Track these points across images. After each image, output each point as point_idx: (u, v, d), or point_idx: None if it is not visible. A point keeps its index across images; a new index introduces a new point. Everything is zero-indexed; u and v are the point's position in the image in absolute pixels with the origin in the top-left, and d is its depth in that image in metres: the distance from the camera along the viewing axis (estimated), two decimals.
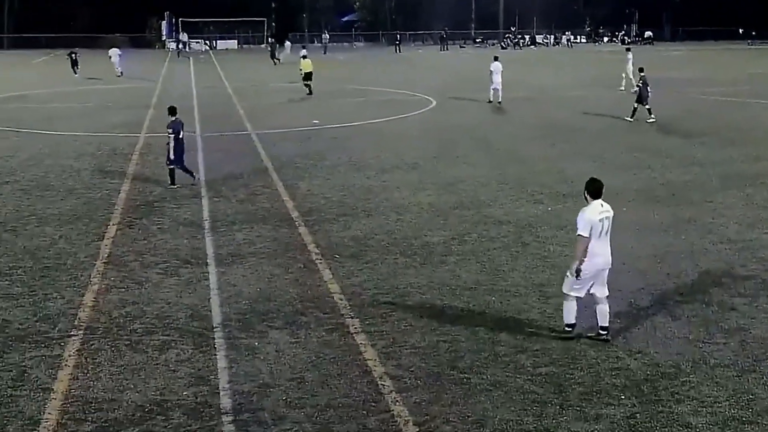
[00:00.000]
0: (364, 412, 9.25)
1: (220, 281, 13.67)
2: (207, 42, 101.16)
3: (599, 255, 10.92)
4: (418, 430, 8.86)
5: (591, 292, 11.12)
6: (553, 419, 9.06)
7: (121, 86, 48.87)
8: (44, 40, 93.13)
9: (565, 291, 11.21)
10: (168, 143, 20.81)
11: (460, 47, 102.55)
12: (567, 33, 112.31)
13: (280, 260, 14.84)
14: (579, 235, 10.87)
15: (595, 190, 11.04)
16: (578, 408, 9.29)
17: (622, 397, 9.57)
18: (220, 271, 14.18)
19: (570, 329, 11.26)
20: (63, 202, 19.31)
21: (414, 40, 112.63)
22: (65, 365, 10.48)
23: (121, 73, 57.34)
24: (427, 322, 11.88)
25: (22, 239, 16.31)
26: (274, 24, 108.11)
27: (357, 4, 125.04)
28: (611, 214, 11.06)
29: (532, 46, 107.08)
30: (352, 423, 9.01)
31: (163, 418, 9.14)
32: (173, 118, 21.04)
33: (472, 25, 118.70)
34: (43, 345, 11.13)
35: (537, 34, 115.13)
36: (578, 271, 10.89)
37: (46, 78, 56.00)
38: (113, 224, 17.35)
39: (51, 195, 20.13)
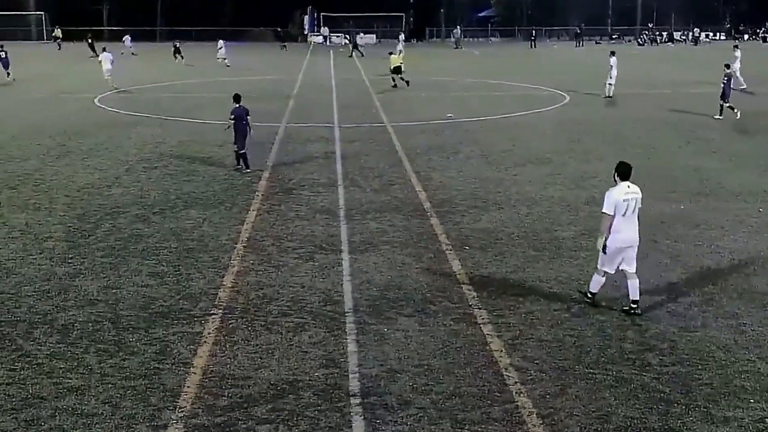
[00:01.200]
0: (489, 401, 9.21)
1: (352, 268, 13.83)
2: (347, 36, 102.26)
3: (624, 232, 11.58)
4: (541, 422, 8.77)
5: (621, 268, 11.77)
6: (678, 419, 8.82)
7: (265, 78, 49.88)
8: (193, 33, 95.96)
9: (598, 266, 11.90)
10: (227, 128, 21.78)
11: (596, 43, 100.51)
12: (697, 30, 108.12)
13: (412, 249, 14.90)
14: (603, 212, 11.60)
15: (624, 172, 11.78)
16: (705, 409, 9.02)
17: (752, 400, 9.23)
18: (353, 258, 14.35)
19: (591, 298, 12.09)
20: (207, 187, 19.88)
21: (549, 36, 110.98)
22: (205, 342, 10.81)
23: (226, 63, 59.35)
24: (554, 315, 11.74)
25: (169, 221, 16.89)
26: (412, 19, 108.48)
27: None
28: (638, 195, 11.68)
29: (670, 43, 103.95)
30: (476, 412, 8.99)
31: (294, 397, 9.33)
32: (237, 105, 21.66)
33: (609, 21, 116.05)
34: (185, 322, 11.52)
35: (675, 31, 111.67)
36: (605, 247, 11.59)
37: (193, 69, 57.63)
38: (253, 210, 17.77)
39: (196, 180, 20.76)
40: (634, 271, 11.78)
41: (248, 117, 21.58)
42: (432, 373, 9.90)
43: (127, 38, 74.72)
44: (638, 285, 11.78)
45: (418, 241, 15.44)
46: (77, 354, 10.45)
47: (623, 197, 11.56)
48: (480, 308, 11.98)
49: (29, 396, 9.32)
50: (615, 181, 11.89)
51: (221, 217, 17.22)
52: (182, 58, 61.80)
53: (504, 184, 20.19)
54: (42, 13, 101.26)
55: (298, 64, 62.37)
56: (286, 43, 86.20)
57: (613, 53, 39.01)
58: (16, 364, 10.17)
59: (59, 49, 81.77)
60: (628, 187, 11.69)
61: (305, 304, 12.17)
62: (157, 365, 10.13)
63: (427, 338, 10.93)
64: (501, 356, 10.36)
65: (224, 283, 13.12)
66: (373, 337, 10.97)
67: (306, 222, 16.80)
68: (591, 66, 40.58)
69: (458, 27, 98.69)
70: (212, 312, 11.88)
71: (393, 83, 43.86)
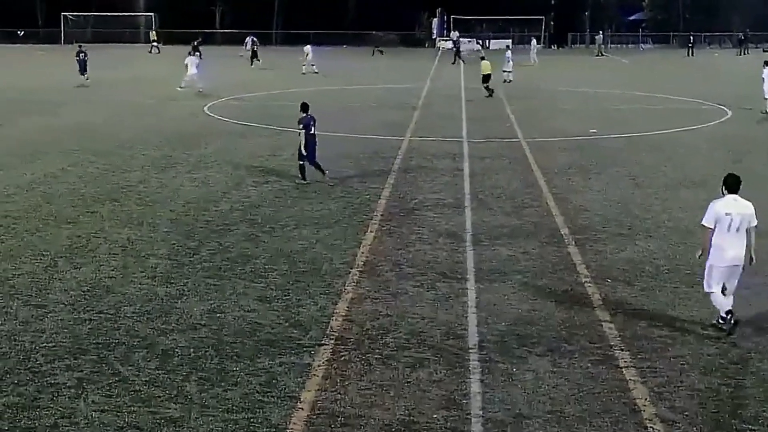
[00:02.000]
0: None
1: (479, 299, 13.75)
2: (479, 41, 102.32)
3: (728, 249, 11.86)
4: None
5: (725, 285, 12.14)
6: None
7: (388, 86, 50.35)
8: (311, 36, 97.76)
9: (706, 290, 12.24)
10: (300, 138, 22.45)
11: (764, 51, 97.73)
12: None
13: (546, 280, 14.73)
14: (701, 224, 12.08)
15: (731, 184, 12.03)
16: None
17: None
18: (480, 288, 14.27)
19: (724, 320, 12.11)
20: (322, 205, 20.12)
21: (709, 42, 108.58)
22: (314, 375, 10.89)
23: (314, 70, 59.57)
24: (708, 361, 11.39)
25: (279, 241, 17.16)
26: (552, 23, 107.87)
27: (646, 1, 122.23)
28: (747, 211, 11.89)
29: None
30: None
31: None
32: (304, 114, 22.53)
33: None
34: (293, 352, 11.64)
35: None
36: (710, 268, 12.03)
37: (310, 77, 58.56)
38: (371, 231, 17.89)
39: (310, 196, 21.05)
40: (732, 291, 12.19)
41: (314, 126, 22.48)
42: (565, 421, 9.73)
43: (248, 40, 76.26)
44: (731, 304, 12.09)
45: (554, 272, 15.25)
46: (177, 382, 10.69)
47: (725, 210, 11.84)
48: (622, 349, 11.72)
49: (125, 425, 9.56)
50: (722, 193, 12.13)
51: (336, 238, 17.39)
52: (258, 61, 63.36)
53: (653, 209, 19.78)
54: (151, 14, 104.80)
55: (425, 72, 62.71)
56: (382, 48, 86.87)
57: (766, 63, 37.72)
58: (113, 389, 10.46)
59: (150, 52, 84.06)
60: (735, 200, 11.93)
61: (425, 338, 12.15)
62: (261, 398, 10.26)
63: (560, 381, 10.76)
64: (645, 405, 10.10)
65: (337, 310, 13.22)
66: (499, 378, 10.86)
67: (428, 246, 16.81)
68: (756, 77, 39.39)
69: (600, 32, 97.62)
70: (323, 342, 11.97)
71: (487, 94, 44.58)
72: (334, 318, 12.87)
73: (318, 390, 10.45)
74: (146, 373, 10.94)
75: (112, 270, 15.19)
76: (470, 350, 11.69)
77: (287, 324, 12.65)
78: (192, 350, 11.66)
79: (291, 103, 40.92)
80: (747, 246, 12.07)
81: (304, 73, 59.02)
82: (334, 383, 10.65)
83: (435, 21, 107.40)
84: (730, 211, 11.79)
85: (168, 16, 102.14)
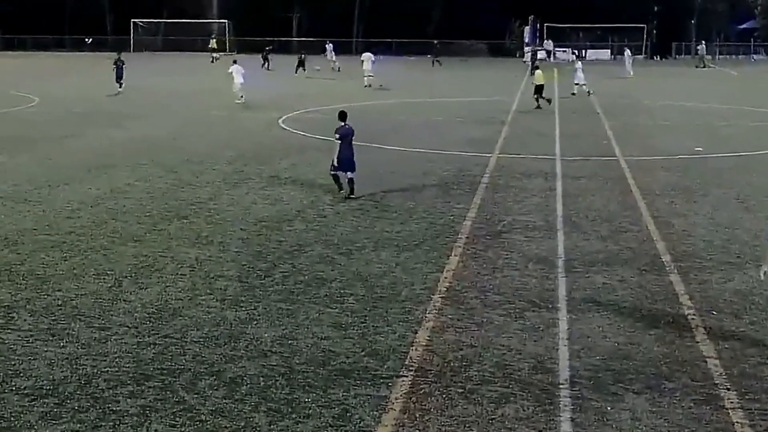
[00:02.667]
0: None
1: (571, 330, 13.60)
2: (575, 52, 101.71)
3: None
4: None
5: None
6: None
7: (475, 99, 50.29)
8: (394, 45, 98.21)
9: None
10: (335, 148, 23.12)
11: None
12: None
13: (645, 312, 14.51)
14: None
15: None
16: None
17: None
18: (572, 319, 14.11)
19: None
20: (402, 226, 20.13)
21: None
22: (391, 409, 10.86)
23: (370, 84, 58.62)
24: None
25: (356, 264, 17.20)
26: (655, 32, 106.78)
27: (758, 8, 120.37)
28: None
29: None
30: None
31: None
32: (342, 124, 23.29)
33: None
34: (369, 383, 11.63)
35: None
36: None
37: (386, 89, 58.76)
38: (455, 255, 17.84)
39: (390, 216, 21.08)
40: None
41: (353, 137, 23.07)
42: None
43: (329, 47, 76.70)
44: None
45: (654, 302, 15.03)
46: (245, 412, 10.75)
47: None
48: (729, 389, 11.49)
49: None
50: None
51: (417, 261, 17.38)
52: (304, 70, 64.24)
53: (764, 234, 19.37)
54: (225, 21, 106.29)
55: (515, 84, 62.52)
56: (440, 59, 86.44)
57: None
58: (178, 419, 10.56)
59: (212, 62, 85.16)
60: None
61: (512, 371, 12.05)
62: (334, 431, 10.29)
63: (659, 422, 10.57)
64: None
65: (417, 340, 13.18)
66: (592, 416, 10.71)
67: (517, 272, 16.70)
68: None
69: (702, 43, 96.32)
70: (401, 373, 11.94)
71: (537, 104, 45.55)
72: (413, 348, 12.84)
73: (395, 425, 10.42)
74: (213, 402, 11.03)
75: (179, 292, 15.37)
76: (561, 386, 11.56)
77: (363, 353, 12.65)
78: (261, 379, 11.73)
79: (372, 117, 41.21)
80: None
81: (367, 86, 58.35)
82: (412, 418, 10.61)
83: (527, 29, 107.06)
84: None
85: (243, 23, 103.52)
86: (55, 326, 13.66)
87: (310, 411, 10.79)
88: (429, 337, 13.30)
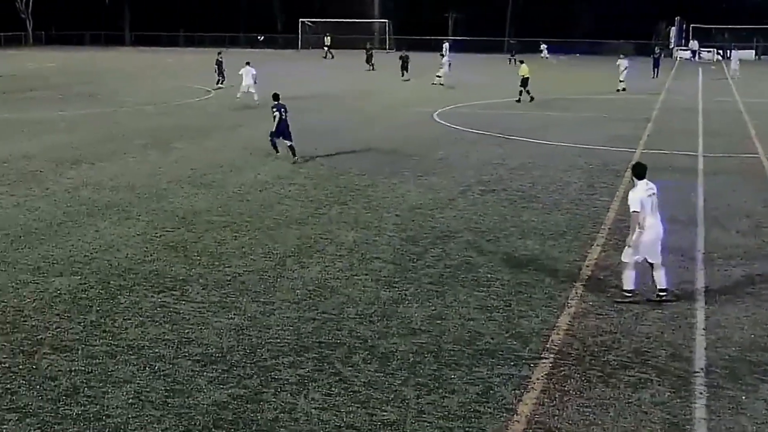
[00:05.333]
0: None
1: (708, 321, 13.25)
2: (719, 52, 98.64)
3: (652, 227, 13.77)
4: None
5: (650, 261, 13.92)
6: None
7: (619, 97, 49.33)
8: (541, 45, 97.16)
9: (624, 260, 13.98)
10: (274, 119, 26.82)
11: None
12: None
13: None
14: (633, 211, 13.66)
15: (639, 172, 14.09)
16: None
17: None
18: (710, 310, 13.74)
19: (629, 294, 13.92)
20: (548, 216, 19.94)
21: None
22: (531, 388, 10.81)
23: (440, 81, 55.53)
24: None
25: (503, 251, 17.12)
26: None
27: None
28: (655, 190, 13.91)
29: None
30: None
31: None
32: (276, 103, 27.16)
33: None
34: (512, 363, 11.59)
35: None
36: (636, 244, 13.65)
37: (543, 84, 58.20)
38: (598, 244, 17.58)
39: (536, 207, 20.91)
40: (660, 261, 13.93)
41: None
42: None
43: (445, 45, 76.45)
44: (664, 274, 13.92)
45: None
46: (395, 385, 10.85)
47: (646, 194, 13.73)
48: None
49: (343, 425, 9.80)
50: (633, 182, 14.16)
51: (561, 250, 17.20)
52: (407, 72, 61.49)
53: None
54: (386, 21, 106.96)
55: (660, 82, 61.02)
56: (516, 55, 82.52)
57: None
58: (333, 388, 10.74)
59: (324, 57, 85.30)
60: (647, 184, 13.89)
61: (649, 358, 11.82)
62: (478, 407, 10.27)
63: None
64: None
65: (558, 324, 13.07)
66: (726, 404, 10.42)
67: None
68: None
69: None
70: (543, 356, 11.86)
71: (519, 97, 45.35)
72: (555, 332, 12.74)
73: (535, 404, 10.36)
74: (365, 374, 11.17)
75: (338, 271, 15.59)
76: (696, 374, 11.29)
77: (507, 335, 12.61)
78: (411, 355, 11.81)
79: (522, 112, 40.94)
80: None
81: (441, 84, 55.39)
82: (552, 398, 10.54)
83: (673, 30, 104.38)
84: (649, 194, 13.80)
85: (402, 23, 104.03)
86: (225, 299, 14.04)
87: (456, 387, 10.82)
88: (570, 322, 13.17)
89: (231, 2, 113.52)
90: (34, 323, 12.89)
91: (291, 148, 26.89)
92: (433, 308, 13.72)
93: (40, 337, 12.37)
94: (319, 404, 10.30)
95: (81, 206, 20.56)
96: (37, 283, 14.84)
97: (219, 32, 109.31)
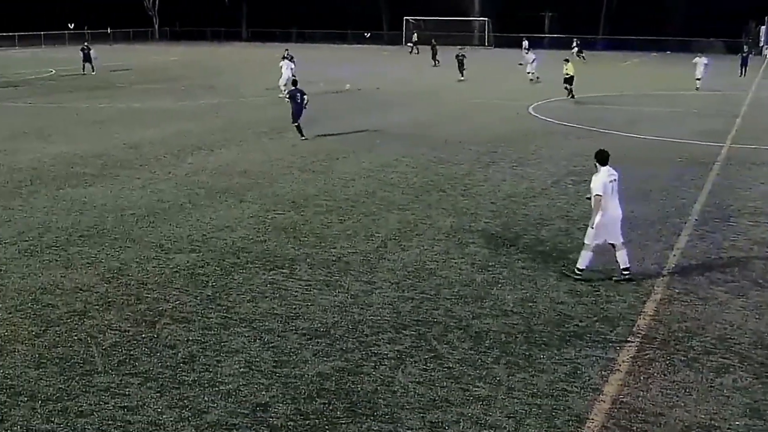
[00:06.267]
0: None
1: None
2: None
3: (612, 209, 13.96)
4: None
5: (610, 242, 14.06)
6: None
7: (710, 94, 48.16)
8: (635, 44, 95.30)
9: (586, 242, 14.17)
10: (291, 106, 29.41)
11: None
12: None
13: None
14: (596, 195, 13.81)
15: (602, 158, 14.17)
16: None
17: None
18: None
19: (580, 273, 14.18)
20: (637, 206, 19.48)
21: None
22: (617, 370, 10.68)
23: (531, 77, 53.73)
24: None
25: None
26: None
27: None
28: (617, 176, 14.13)
29: None
30: None
31: None
32: (293, 88, 29.70)
33: None
34: (599, 346, 11.47)
35: None
36: (598, 227, 13.83)
37: (633, 80, 57.14)
38: (684, 234, 17.24)
39: (626, 197, 20.46)
40: (622, 242, 14.09)
41: None
42: None
43: (525, 43, 75.37)
44: (626, 254, 14.08)
45: None
46: (487, 363, 10.83)
47: (608, 179, 13.92)
48: None
49: (437, 398, 9.83)
50: (596, 167, 14.19)
51: (649, 239, 16.91)
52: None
53: None
54: (485, 19, 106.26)
55: (748, 81, 59.34)
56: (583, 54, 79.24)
57: None
58: (429, 364, 10.77)
59: (410, 53, 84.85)
60: (609, 170, 14.06)
61: (732, 344, 11.56)
62: (565, 386, 10.20)
63: None
64: None
65: (645, 310, 12.87)
66: None
67: (742, 254, 15.96)
68: None
69: None
70: (629, 339, 11.71)
71: (569, 93, 43.58)
72: (641, 317, 12.56)
73: (621, 385, 10.24)
74: (460, 352, 11.17)
75: (435, 254, 15.60)
76: None
77: (595, 318, 12.48)
78: (503, 335, 11.78)
79: (615, 106, 40.28)
80: None
81: (532, 80, 53.77)
82: (637, 380, 10.40)
83: (763, 29, 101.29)
84: (611, 179, 14.01)
85: (501, 21, 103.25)
86: (330, 278, 14.18)
87: (545, 366, 10.76)
88: (656, 308, 12.97)
89: (340, 1, 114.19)
90: (155, 296, 13.23)
91: (299, 128, 29.19)
92: (525, 291, 13.65)
93: (160, 308, 12.69)
94: (416, 378, 10.35)
95: (200, 189, 20.98)
96: (159, 259, 15.21)
97: (329, 29, 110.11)
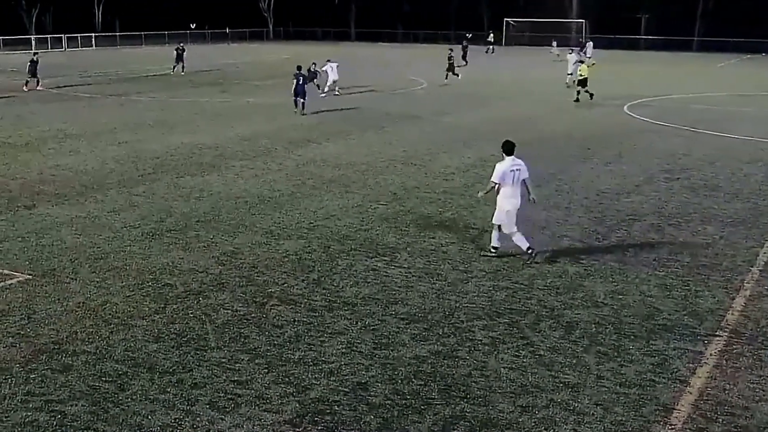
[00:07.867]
0: None
1: None
2: None
3: (512, 197, 14.29)
4: None
5: (504, 231, 14.47)
6: None
7: None
8: (731, 44, 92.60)
9: (494, 222, 14.62)
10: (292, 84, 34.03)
11: None
12: None
13: None
14: (491, 181, 14.37)
15: (508, 149, 14.38)
16: None
17: None
18: None
19: (494, 251, 14.73)
20: (728, 204, 19.13)
21: None
22: (705, 363, 10.46)
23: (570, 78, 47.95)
24: None
25: (684, 235, 16.58)
26: None
27: None
28: (522, 167, 14.34)
29: None
30: None
31: None
32: (296, 72, 34.65)
33: None
34: (687, 339, 11.24)
35: None
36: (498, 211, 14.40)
37: (727, 81, 55.61)
38: None
39: (717, 195, 20.08)
40: (514, 231, 14.37)
41: None
42: None
43: (589, 44, 73.73)
44: (522, 237, 14.40)
45: None
46: (577, 352, 10.73)
47: (509, 168, 14.18)
48: None
49: (528, 384, 9.78)
50: (502, 156, 14.34)
51: (739, 236, 16.48)
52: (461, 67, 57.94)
53: None
54: (582, 20, 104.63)
55: None
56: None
57: None
58: (521, 351, 10.72)
59: (486, 52, 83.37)
60: (513, 160, 14.26)
61: None
62: (653, 377, 10.03)
63: None
64: None
65: (734, 305, 12.56)
66: None
67: None
68: None
69: None
70: (717, 333, 11.44)
71: (581, 96, 40.71)
72: (730, 312, 12.26)
73: (708, 377, 10.03)
74: (551, 340, 11.09)
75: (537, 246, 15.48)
76: None
77: (684, 312, 12.23)
78: (593, 326, 11.64)
79: (708, 107, 39.24)
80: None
81: (568, 85, 47.89)
82: (724, 373, 10.17)
83: None
84: (513, 169, 14.19)
85: (597, 22, 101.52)
86: (428, 266, 14.22)
87: (633, 357, 10.61)
88: (745, 303, 12.65)
89: (443, 2, 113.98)
90: (265, 278, 13.47)
91: (303, 104, 34.35)
92: (616, 284, 13.45)
93: (269, 290, 12.91)
94: (508, 364, 10.31)
95: (308, 180, 21.24)
96: (269, 244, 15.47)
97: (432, 30, 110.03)
